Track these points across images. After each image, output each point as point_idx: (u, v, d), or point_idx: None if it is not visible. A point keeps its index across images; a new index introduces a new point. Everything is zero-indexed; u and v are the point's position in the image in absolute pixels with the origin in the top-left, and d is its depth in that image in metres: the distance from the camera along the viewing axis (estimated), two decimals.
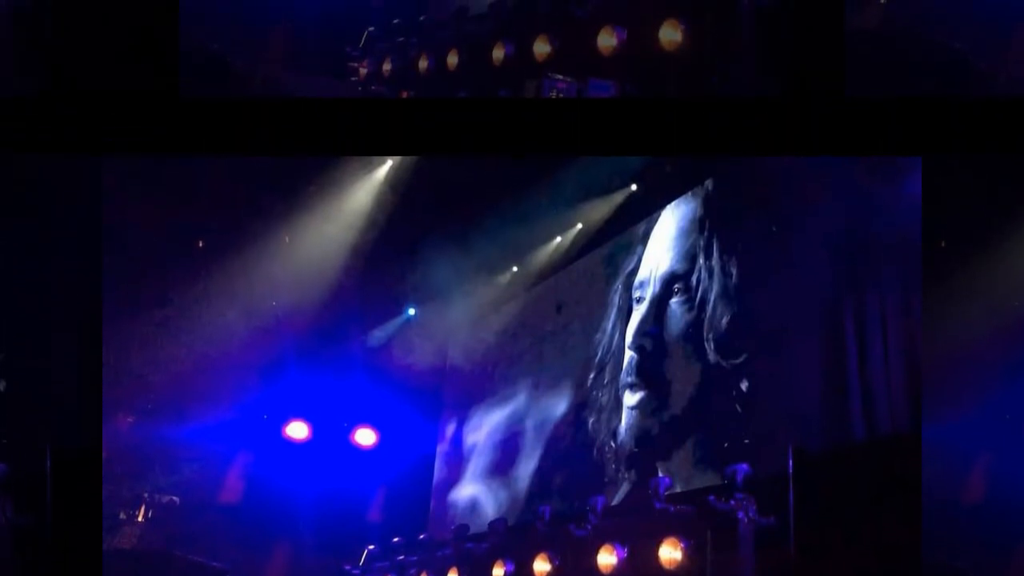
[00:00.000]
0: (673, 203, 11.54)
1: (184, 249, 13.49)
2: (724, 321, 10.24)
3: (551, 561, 9.86)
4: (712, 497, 7.97)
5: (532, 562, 9.99)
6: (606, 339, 12.31)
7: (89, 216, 8.59)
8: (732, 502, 7.79)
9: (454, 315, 14.85)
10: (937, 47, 8.10)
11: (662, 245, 11.54)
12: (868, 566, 6.96)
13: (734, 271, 10.26)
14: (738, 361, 9.94)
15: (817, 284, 8.93)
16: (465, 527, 12.19)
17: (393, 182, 12.83)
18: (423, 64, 11.03)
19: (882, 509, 7.01)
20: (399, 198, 12.86)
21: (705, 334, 10.45)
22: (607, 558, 8.99)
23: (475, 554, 11.19)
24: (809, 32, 7.71)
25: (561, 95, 9.12)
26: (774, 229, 9.74)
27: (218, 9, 10.55)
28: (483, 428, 14.61)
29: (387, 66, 11.50)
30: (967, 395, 7.95)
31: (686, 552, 8.23)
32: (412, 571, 12.37)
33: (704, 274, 10.66)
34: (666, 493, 8.70)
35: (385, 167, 12.84)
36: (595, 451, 11.92)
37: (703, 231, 10.87)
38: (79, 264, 8.58)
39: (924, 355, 7.92)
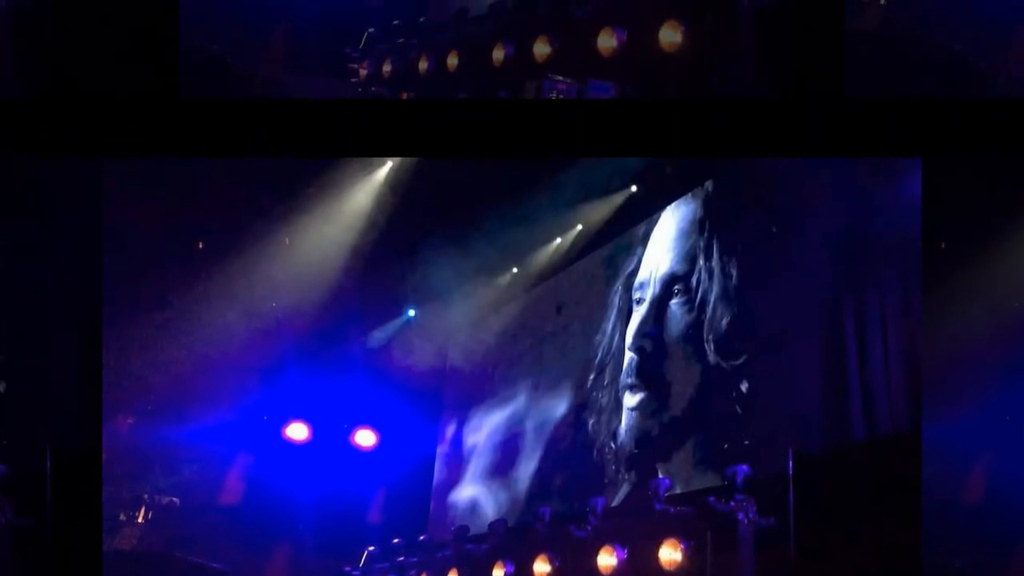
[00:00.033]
0: (673, 204, 11.55)
1: (184, 250, 13.50)
2: (724, 322, 10.25)
3: (551, 562, 9.86)
4: (712, 498, 7.97)
5: (532, 563, 9.98)
6: (606, 340, 12.32)
7: (89, 217, 8.59)
8: (732, 503, 7.79)
9: (454, 316, 14.85)
10: (937, 48, 8.11)
11: (662, 246, 11.54)
12: (868, 567, 6.96)
13: (734, 272, 10.27)
14: (738, 362, 9.94)
15: (817, 285, 8.94)
16: (465, 528, 12.19)
17: (393, 183, 12.83)
18: (423, 65, 11.03)
19: (882, 510, 7.01)
20: (399, 199, 12.86)
21: (705, 335, 10.45)
22: (607, 559, 8.99)
23: (475, 555, 11.18)
24: (809, 33, 7.72)
25: (561, 96, 9.12)
26: (774, 230, 9.74)
27: (218, 10, 10.55)
28: (483, 429, 14.61)
29: (387, 67, 11.49)
30: (967, 396, 7.95)
31: (686, 553, 8.23)
32: (412, 572, 12.36)
33: (704, 275, 10.66)
34: (666, 494, 8.70)
35: (385, 168, 12.84)
36: (595, 452, 11.92)
37: (703, 232, 10.87)
38: (79, 265, 8.58)
39: (924, 356, 7.92)
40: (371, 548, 13.50)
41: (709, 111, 7.90)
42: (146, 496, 13.60)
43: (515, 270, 14.44)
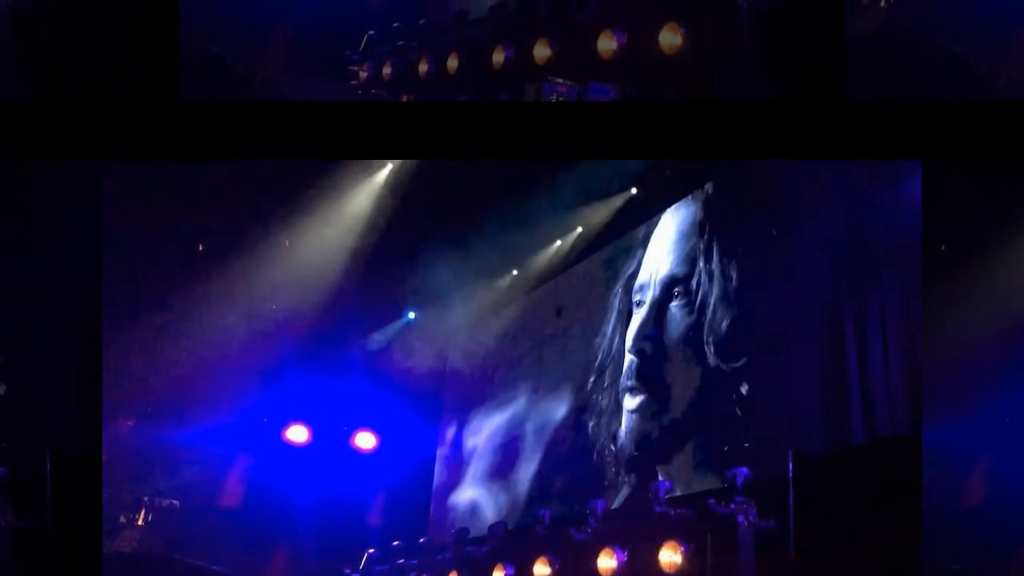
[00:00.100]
0: (673, 207, 11.55)
1: (184, 252, 13.51)
2: (724, 324, 10.24)
3: (551, 564, 9.86)
4: (712, 500, 7.97)
5: (532, 565, 9.99)
6: (606, 343, 12.32)
7: (89, 219, 8.60)
8: (732, 505, 7.79)
9: (454, 319, 14.85)
10: (937, 50, 8.10)
11: (662, 249, 11.54)
12: (868, 569, 6.96)
13: (734, 274, 10.26)
14: (738, 364, 9.94)
15: (817, 287, 8.94)
16: (465, 530, 12.20)
17: (393, 186, 12.84)
18: (423, 68, 11.04)
19: (882, 512, 7.01)
20: (399, 202, 12.86)
21: (705, 337, 10.45)
22: (607, 562, 8.99)
23: (475, 557, 11.18)
24: (809, 35, 7.71)
25: (561, 99, 9.12)
26: (774, 232, 9.74)
27: (218, 12, 10.56)
28: (483, 432, 14.61)
29: (387, 69, 11.50)
30: (967, 398, 7.95)
31: (686, 556, 8.23)
32: (412, 574, 12.36)
33: (704, 277, 10.66)
34: (666, 497, 8.70)
35: (385, 171, 12.84)
36: (595, 455, 11.92)
37: (703, 235, 10.87)
38: (79, 267, 8.58)
39: (924, 358, 7.92)
40: (371, 550, 13.50)
41: (709, 113, 7.90)
42: (146, 498, 13.60)
43: (515, 272, 14.44)
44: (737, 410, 9.78)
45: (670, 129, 7.88)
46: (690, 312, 10.78)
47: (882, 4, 8.22)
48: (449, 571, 11.51)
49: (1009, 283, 8.16)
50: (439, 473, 15.44)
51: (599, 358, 12.37)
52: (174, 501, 13.82)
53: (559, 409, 12.98)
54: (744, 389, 9.77)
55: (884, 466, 7.31)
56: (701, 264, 10.76)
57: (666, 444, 10.76)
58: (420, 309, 15.44)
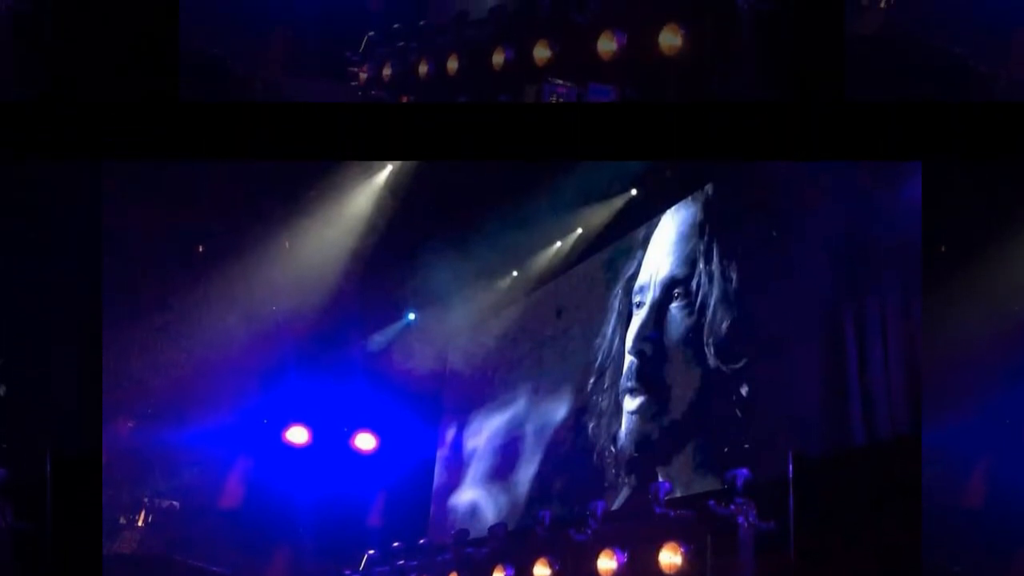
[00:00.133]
0: (673, 208, 11.54)
1: (184, 253, 13.51)
2: (724, 326, 10.24)
3: (551, 566, 9.86)
4: (712, 502, 7.97)
5: (532, 567, 9.98)
6: (606, 344, 12.31)
7: (89, 220, 8.60)
8: (732, 507, 7.79)
9: (454, 320, 14.85)
10: (937, 51, 8.10)
11: (662, 250, 11.54)
12: (868, 570, 6.96)
13: (734, 276, 10.26)
14: (738, 366, 9.93)
15: (817, 288, 8.93)
16: (465, 532, 12.19)
17: (393, 187, 12.83)
18: (423, 69, 11.04)
19: (882, 513, 7.01)
20: (399, 203, 12.86)
21: (705, 339, 10.45)
22: (607, 563, 8.99)
23: (475, 559, 11.18)
24: (809, 36, 7.71)
25: (561, 100, 9.12)
26: (774, 233, 9.74)
27: (218, 12, 10.56)
28: (483, 433, 14.61)
29: (387, 71, 11.50)
30: (967, 399, 7.95)
31: (686, 557, 8.23)
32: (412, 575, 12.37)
33: (704, 279, 10.66)
34: (666, 498, 8.70)
35: (385, 172, 12.84)
36: (595, 456, 11.91)
37: (703, 236, 10.86)
38: (79, 268, 8.58)
39: (924, 359, 7.91)
40: (371, 552, 13.49)
41: (709, 114, 7.90)
42: (146, 499, 13.60)
43: (515, 274, 14.44)
44: (737, 411, 9.77)
45: (670, 130, 7.88)
46: (690, 313, 10.78)
47: (882, 5, 8.22)
48: (449, 572, 11.50)
49: (1009, 283, 8.17)
50: (439, 474, 15.43)
51: (599, 359, 12.37)
52: (174, 502, 13.82)
53: (559, 410, 12.97)
54: (744, 390, 9.76)
55: (884, 467, 7.32)
56: (701, 265, 10.75)
57: (666, 445, 10.76)
58: (420, 310, 15.44)
